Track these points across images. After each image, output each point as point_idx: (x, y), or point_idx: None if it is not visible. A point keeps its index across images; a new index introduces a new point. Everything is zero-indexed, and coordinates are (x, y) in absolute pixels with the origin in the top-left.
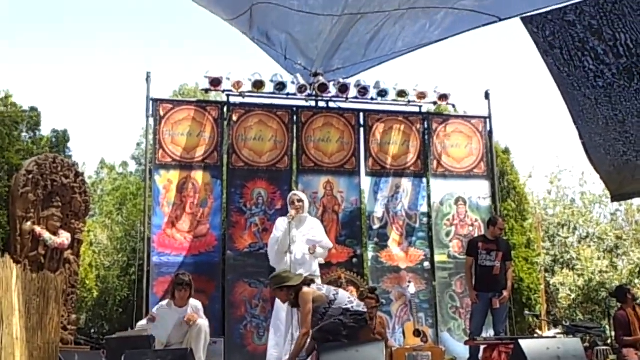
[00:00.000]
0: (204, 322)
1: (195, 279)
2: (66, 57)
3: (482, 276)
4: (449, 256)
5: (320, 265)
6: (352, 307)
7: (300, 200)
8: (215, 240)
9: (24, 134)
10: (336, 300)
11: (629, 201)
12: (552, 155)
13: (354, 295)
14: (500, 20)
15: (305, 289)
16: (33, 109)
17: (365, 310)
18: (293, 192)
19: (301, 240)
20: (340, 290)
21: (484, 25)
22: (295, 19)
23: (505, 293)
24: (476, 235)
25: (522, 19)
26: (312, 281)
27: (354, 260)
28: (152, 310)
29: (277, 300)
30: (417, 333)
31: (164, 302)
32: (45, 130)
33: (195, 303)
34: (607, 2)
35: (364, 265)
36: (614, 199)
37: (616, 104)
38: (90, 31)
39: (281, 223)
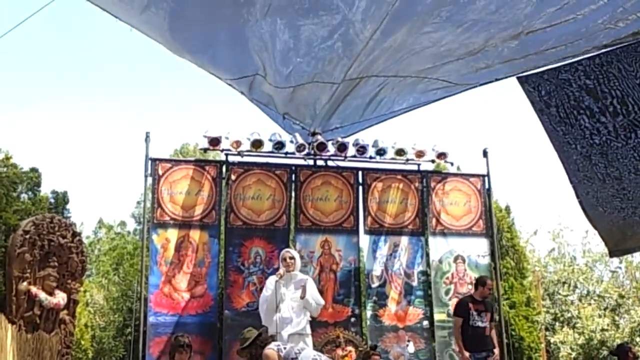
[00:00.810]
0: None
1: (192, 339)
2: (67, 117)
3: (474, 337)
4: (448, 315)
5: (318, 324)
6: None
7: (292, 258)
8: (212, 300)
9: (23, 195)
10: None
11: (630, 258)
12: (555, 214)
13: (323, 356)
14: (497, 80)
15: (266, 350)
16: (33, 170)
17: None
18: (285, 249)
19: (290, 298)
20: (306, 350)
21: (481, 84)
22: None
23: (496, 352)
24: None
25: (518, 78)
26: (272, 338)
27: (352, 319)
28: None
29: None
30: None
31: None
32: (44, 189)
33: None
34: (601, 61)
35: (363, 324)
36: (612, 254)
37: (612, 161)
38: (91, 91)
39: (270, 281)
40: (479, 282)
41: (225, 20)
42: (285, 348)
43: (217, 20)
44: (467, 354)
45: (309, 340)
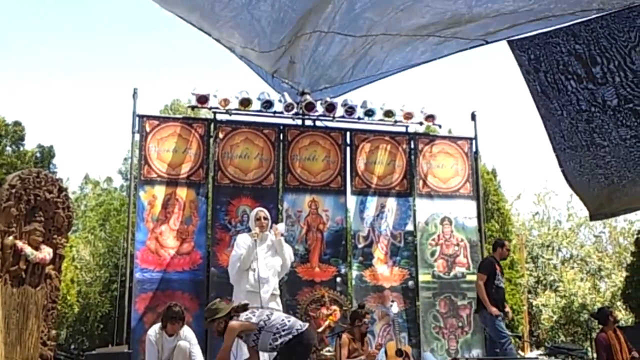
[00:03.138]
0: (185, 344)
1: (179, 296)
2: (53, 71)
3: (498, 297)
4: (434, 276)
5: (304, 283)
6: (285, 328)
7: (266, 218)
8: (200, 259)
9: (7, 148)
10: (266, 326)
11: (613, 224)
12: (541, 178)
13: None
14: (488, 43)
15: (232, 322)
16: (17, 123)
17: (301, 328)
18: (258, 208)
19: (264, 257)
20: (276, 313)
21: (471, 47)
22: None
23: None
24: (461, 255)
25: (508, 42)
26: (245, 308)
27: (338, 279)
28: (148, 333)
29: None
30: (399, 353)
31: (157, 327)
32: (29, 144)
33: (187, 332)
34: (593, 27)
35: (348, 284)
36: (593, 218)
37: (597, 128)
38: (80, 46)
39: (243, 239)
40: (498, 244)
41: None
42: (254, 315)
43: None
44: (494, 309)
45: (279, 300)
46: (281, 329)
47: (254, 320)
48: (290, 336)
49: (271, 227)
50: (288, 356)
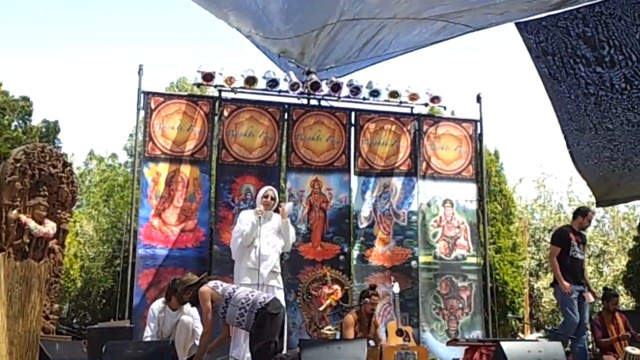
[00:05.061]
0: (188, 319)
1: (181, 273)
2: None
3: (573, 268)
4: (435, 257)
5: (306, 262)
6: (249, 303)
7: (273, 198)
8: (203, 236)
9: (14, 123)
10: (231, 299)
11: (615, 208)
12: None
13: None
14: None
15: (202, 288)
16: (24, 98)
17: (264, 300)
18: (268, 187)
19: (266, 235)
20: (241, 288)
21: (478, 29)
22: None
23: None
24: (461, 237)
25: (517, 24)
26: (210, 279)
27: (341, 257)
28: (152, 307)
29: None
30: (399, 332)
31: (160, 301)
32: (36, 120)
33: (190, 307)
34: (601, 10)
35: (351, 262)
36: (599, 204)
37: (605, 112)
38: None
39: (246, 216)
40: (580, 212)
41: None
42: (220, 287)
43: None
44: (566, 283)
45: (280, 278)
46: (245, 304)
47: (219, 290)
48: (256, 311)
49: (278, 207)
50: (261, 333)
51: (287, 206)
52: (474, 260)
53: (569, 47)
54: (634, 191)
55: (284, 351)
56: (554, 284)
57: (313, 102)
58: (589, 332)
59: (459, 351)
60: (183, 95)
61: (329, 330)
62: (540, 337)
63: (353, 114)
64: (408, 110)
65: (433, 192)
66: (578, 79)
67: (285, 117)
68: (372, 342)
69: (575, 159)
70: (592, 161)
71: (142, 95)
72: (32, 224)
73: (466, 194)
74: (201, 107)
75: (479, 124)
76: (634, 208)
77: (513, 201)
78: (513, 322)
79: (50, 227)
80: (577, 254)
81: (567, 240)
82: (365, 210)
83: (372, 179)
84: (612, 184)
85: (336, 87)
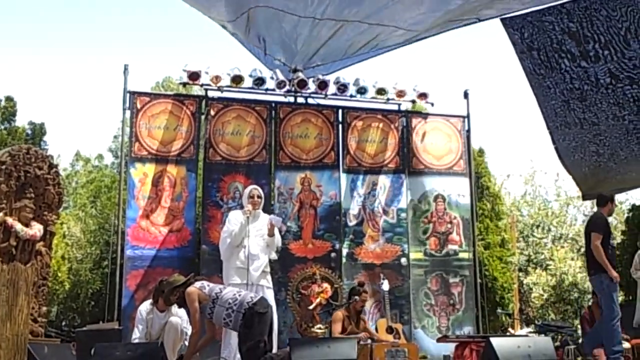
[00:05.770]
0: (176, 320)
1: (170, 274)
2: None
3: (612, 257)
4: (425, 254)
5: (297, 260)
6: (236, 303)
7: (259, 197)
8: (190, 235)
9: None
10: (218, 299)
11: None
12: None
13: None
14: (480, 20)
15: (189, 288)
16: (8, 99)
17: (251, 300)
18: (252, 186)
19: (254, 235)
20: (227, 288)
21: (464, 25)
22: (276, 18)
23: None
24: (454, 233)
25: (502, 20)
26: (196, 279)
27: (332, 254)
28: (139, 308)
29: None
30: (389, 330)
31: (148, 303)
32: (20, 121)
33: (178, 308)
34: (586, 5)
35: (342, 260)
36: (585, 197)
37: (590, 106)
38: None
39: (235, 216)
40: (607, 197)
41: None
42: (207, 287)
43: None
44: (615, 273)
45: (269, 277)
46: (233, 304)
47: (206, 291)
48: (243, 311)
49: (263, 206)
50: (250, 333)
51: (275, 221)
52: (466, 255)
53: (554, 42)
54: (620, 184)
55: (274, 350)
56: (597, 273)
57: (300, 100)
58: (579, 327)
59: (450, 347)
60: (169, 94)
61: (319, 329)
62: (530, 332)
63: (340, 111)
64: (395, 107)
65: (423, 188)
66: (563, 73)
67: (273, 115)
68: (362, 336)
69: (561, 155)
70: (578, 156)
71: (127, 95)
72: (18, 226)
73: (458, 188)
74: (187, 106)
75: (466, 120)
76: (622, 202)
77: (501, 198)
78: (503, 318)
79: (37, 229)
80: (613, 242)
81: (608, 228)
82: (354, 208)
83: (361, 177)
84: (599, 178)
85: (323, 85)
